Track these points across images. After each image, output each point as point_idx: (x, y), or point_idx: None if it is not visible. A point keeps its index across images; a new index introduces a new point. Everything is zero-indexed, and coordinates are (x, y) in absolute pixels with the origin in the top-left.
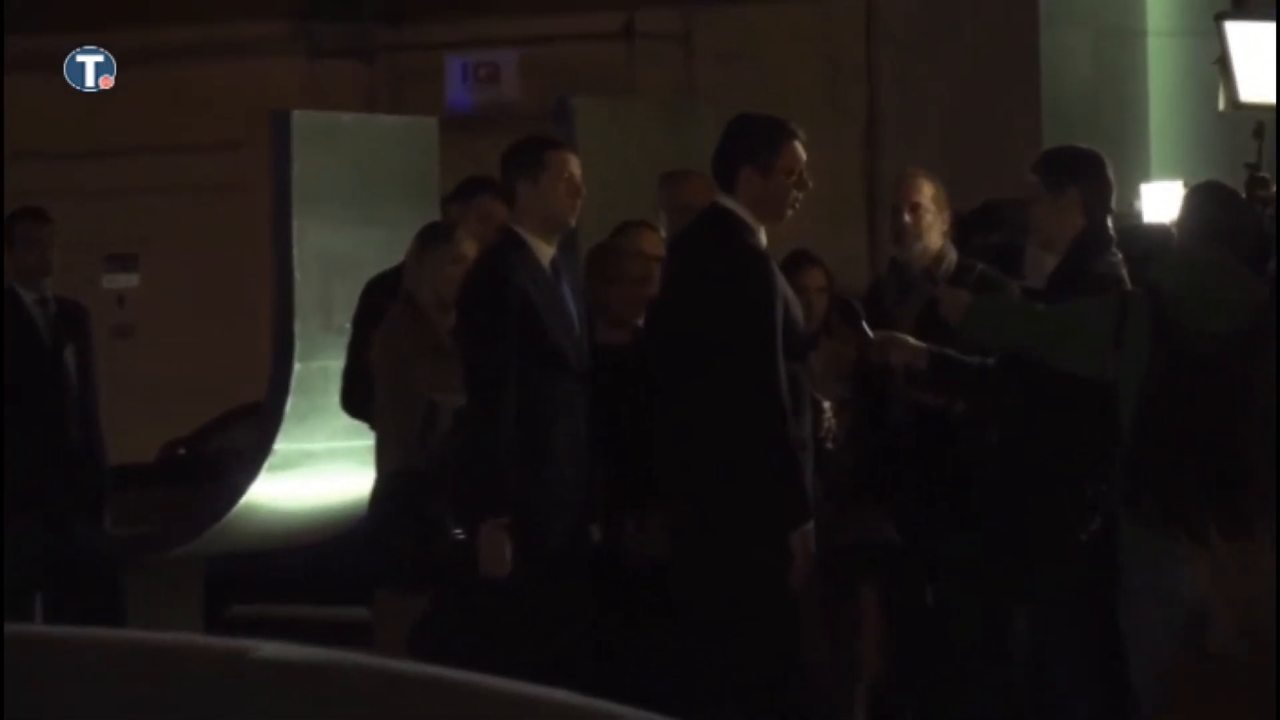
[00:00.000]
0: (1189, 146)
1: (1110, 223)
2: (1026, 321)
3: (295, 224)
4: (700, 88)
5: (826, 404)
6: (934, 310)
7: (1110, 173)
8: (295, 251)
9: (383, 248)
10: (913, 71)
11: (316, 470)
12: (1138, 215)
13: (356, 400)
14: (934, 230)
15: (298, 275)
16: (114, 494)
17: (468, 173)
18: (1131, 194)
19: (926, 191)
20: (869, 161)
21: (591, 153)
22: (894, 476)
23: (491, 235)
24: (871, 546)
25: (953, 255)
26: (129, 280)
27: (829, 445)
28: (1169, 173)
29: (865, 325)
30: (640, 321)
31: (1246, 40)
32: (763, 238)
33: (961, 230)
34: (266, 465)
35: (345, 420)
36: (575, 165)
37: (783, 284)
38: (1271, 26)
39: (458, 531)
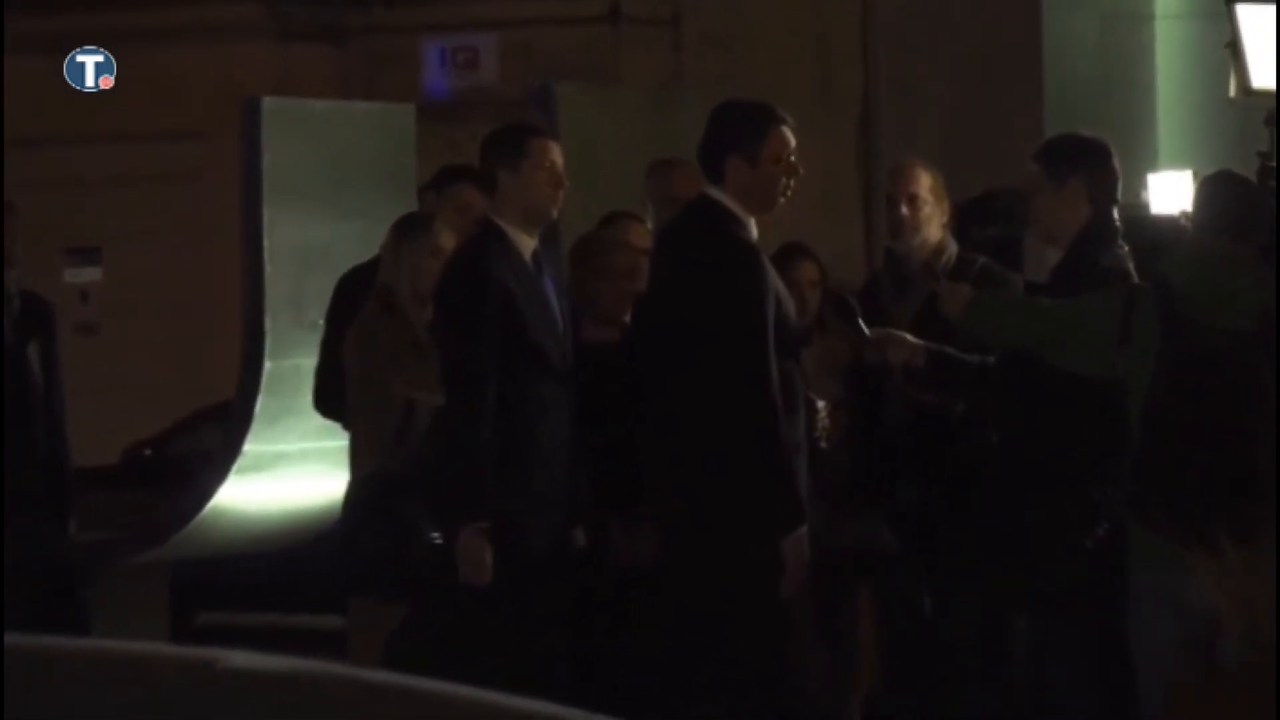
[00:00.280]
0: (1198, 134)
1: (1116, 214)
2: (1029, 317)
3: (266, 215)
4: (688, 74)
5: (820, 403)
6: (933, 306)
7: (1116, 162)
8: (266, 244)
9: (357, 240)
10: (910, 58)
11: (288, 473)
12: (1145, 206)
13: (330, 400)
14: (932, 222)
15: (268, 269)
16: (77, 497)
17: (445, 162)
18: (1138, 184)
19: (924, 182)
20: (864, 151)
21: (575, 141)
22: (891, 479)
23: (470, 227)
24: (867, 551)
25: (953, 248)
26: (92, 274)
27: (823, 445)
28: (1177, 162)
29: (861, 321)
30: (627, 318)
31: (1258, 23)
32: (753, 229)
33: (960, 222)
34: (236, 467)
35: (318, 421)
36: (558, 154)
37: (774, 278)
38: None
39: (435, 536)
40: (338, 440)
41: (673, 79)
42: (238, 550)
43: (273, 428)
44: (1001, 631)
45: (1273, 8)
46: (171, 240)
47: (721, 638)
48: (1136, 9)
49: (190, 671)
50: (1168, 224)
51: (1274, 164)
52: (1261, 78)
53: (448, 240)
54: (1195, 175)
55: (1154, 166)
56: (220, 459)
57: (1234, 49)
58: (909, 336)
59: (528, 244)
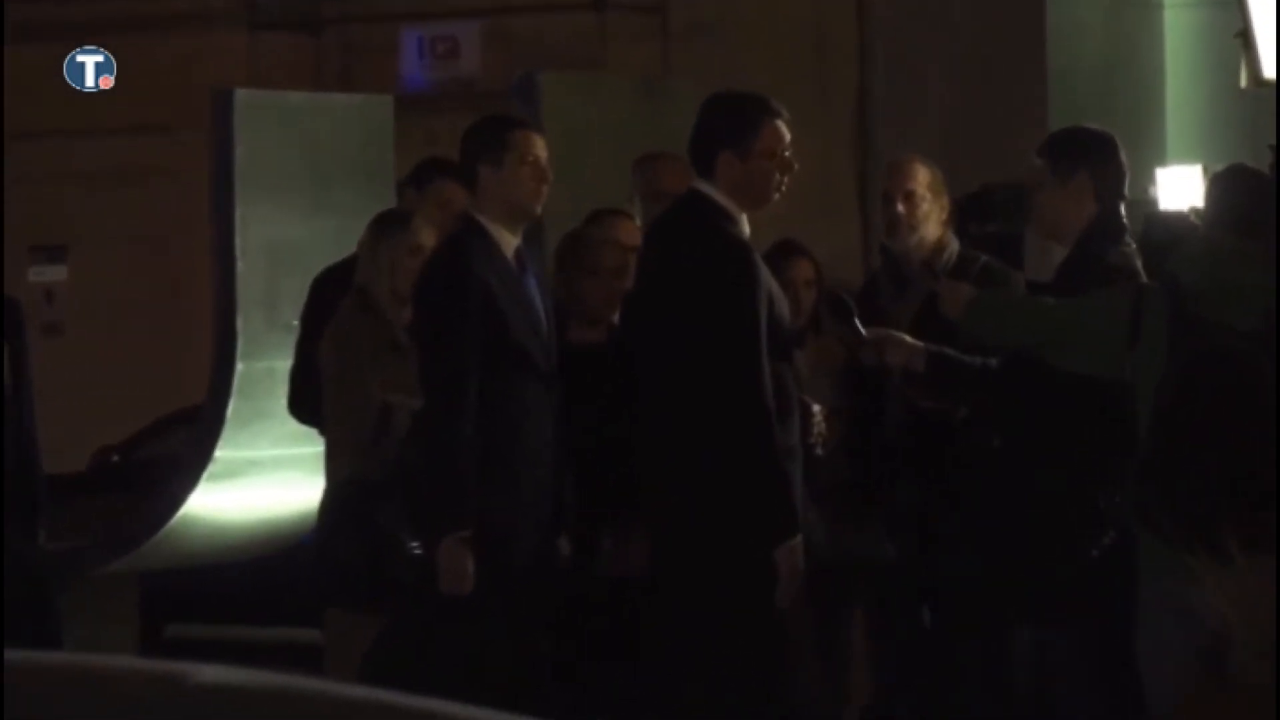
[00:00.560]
0: (1209, 127)
1: (1123, 210)
2: (1032, 317)
3: (238, 212)
4: (677, 64)
5: (816, 407)
6: (933, 306)
7: (1123, 156)
8: (238, 242)
9: (333, 237)
10: (908, 47)
11: (261, 479)
12: (1153, 202)
13: (306, 403)
14: (930, 220)
15: (240, 267)
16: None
17: (424, 155)
18: (1146, 179)
19: (921, 178)
20: (861, 144)
21: (559, 134)
22: (889, 485)
23: (452, 223)
24: (864, 561)
25: (954, 245)
26: (57, 273)
27: (819, 451)
28: (1187, 156)
29: (858, 322)
30: (615, 318)
31: (1270, 11)
32: (745, 226)
33: (957, 219)
34: (207, 474)
35: (292, 425)
36: (541, 147)
37: (767, 276)
38: None
39: (415, 545)
40: (313, 445)
41: (661, 69)
42: (209, 560)
43: (245, 432)
44: (1003, 644)
45: None
46: (140, 238)
47: (714, 650)
48: None
49: (160, 687)
50: (1178, 220)
51: None
52: (1274, 67)
53: (427, 237)
54: (1206, 170)
55: (1162, 161)
56: (190, 465)
57: (1245, 38)
58: (907, 338)
59: (510, 241)
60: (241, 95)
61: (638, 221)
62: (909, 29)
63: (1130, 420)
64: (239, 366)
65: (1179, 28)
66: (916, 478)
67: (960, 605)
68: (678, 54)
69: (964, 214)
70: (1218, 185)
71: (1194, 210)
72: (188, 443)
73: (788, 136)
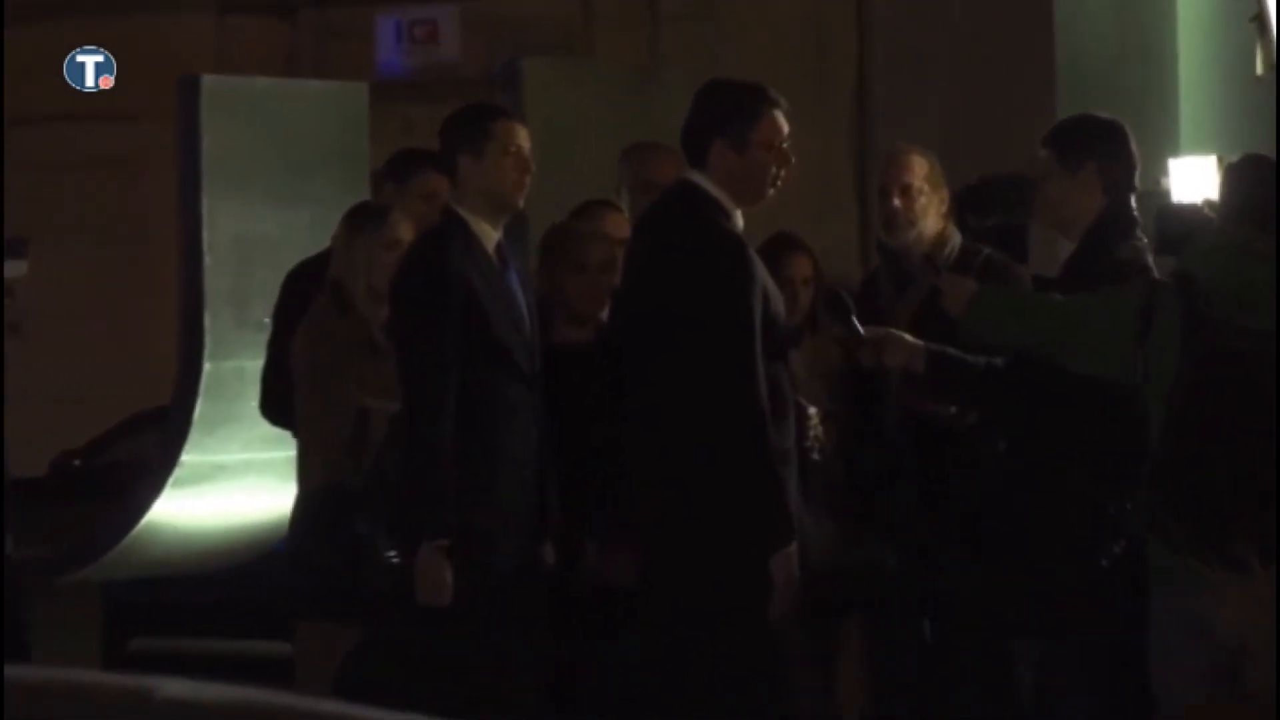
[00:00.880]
0: (1223, 115)
1: (1133, 203)
2: (1039, 314)
3: (205, 204)
4: (667, 50)
5: (812, 410)
6: (933, 303)
7: (1133, 146)
8: (205, 235)
9: (305, 231)
10: (909, 33)
11: (230, 485)
12: (1165, 194)
13: (278, 405)
14: (929, 213)
15: (208, 262)
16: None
17: (401, 145)
18: (1158, 170)
19: (919, 170)
20: (860, 134)
21: (543, 123)
22: (888, 492)
23: (435, 216)
24: (862, 570)
25: (956, 239)
26: (17, 269)
27: (815, 456)
28: (1201, 146)
29: (856, 320)
30: (603, 316)
31: None
32: (739, 220)
33: (956, 212)
34: (172, 479)
35: (263, 428)
36: (524, 137)
37: (762, 271)
38: None
39: (392, 554)
40: (284, 449)
41: (651, 56)
42: (175, 570)
43: (213, 436)
44: (1007, 657)
45: None
46: (103, 231)
47: (705, 662)
48: None
49: (125, 702)
50: (1191, 214)
51: None
52: None
53: (405, 231)
54: (1220, 160)
55: (1175, 151)
56: (156, 470)
57: (1260, 22)
58: (907, 337)
59: (491, 235)
60: (209, 82)
61: (626, 215)
62: (910, 15)
63: (1141, 423)
64: (206, 366)
65: (1192, 12)
66: (916, 483)
67: (962, 616)
68: (668, 40)
69: (963, 207)
70: (1233, 176)
71: (1208, 203)
72: (153, 447)
73: (786, 128)
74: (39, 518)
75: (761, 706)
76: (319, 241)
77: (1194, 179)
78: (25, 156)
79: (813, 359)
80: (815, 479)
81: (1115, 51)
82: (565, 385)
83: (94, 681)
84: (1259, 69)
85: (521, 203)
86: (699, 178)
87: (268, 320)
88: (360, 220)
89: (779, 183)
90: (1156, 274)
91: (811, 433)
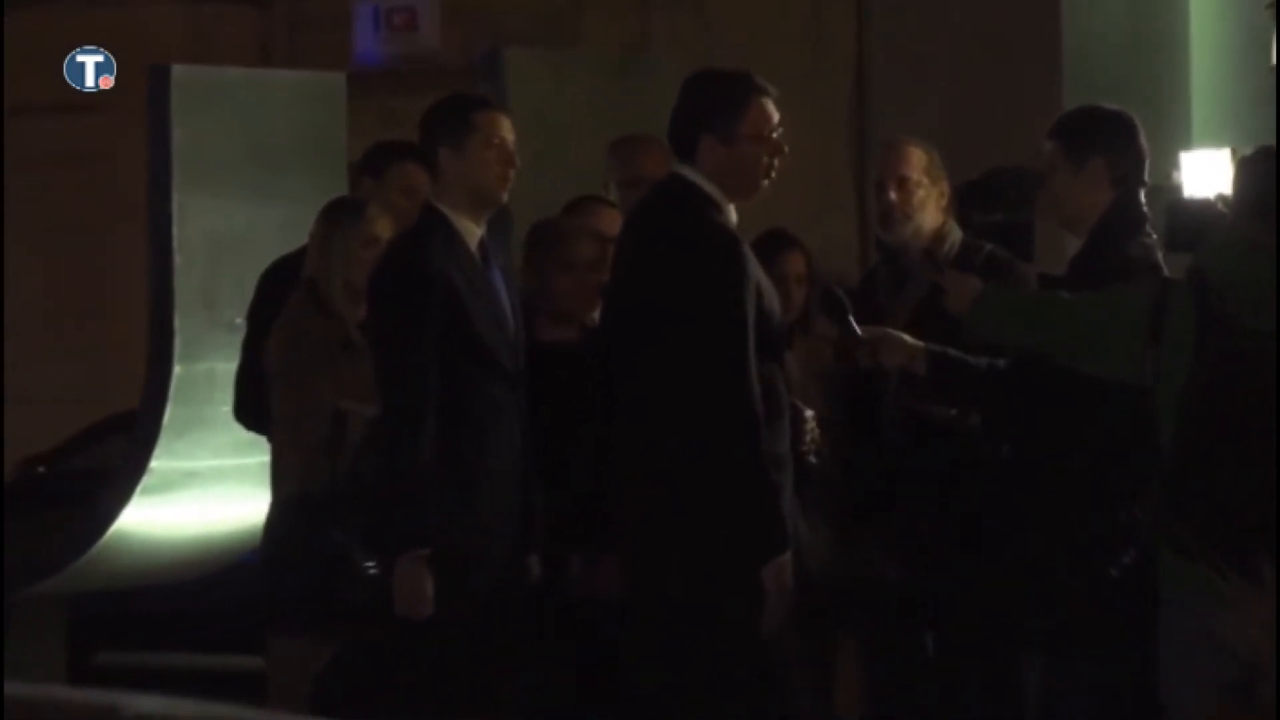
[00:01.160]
0: (1237, 107)
1: (1143, 198)
2: (1046, 314)
3: (175, 200)
4: (658, 38)
5: (809, 412)
6: (932, 301)
7: (1143, 139)
8: (175, 232)
9: (280, 227)
10: (910, 20)
11: (201, 492)
12: (1177, 188)
13: (253, 409)
14: (927, 207)
15: (178, 260)
16: None
17: (380, 137)
18: (1169, 163)
19: (917, 162)
20: (859, 125)
21: (528, 114)
22: (887, 500)
23: (414, 211)
24: (861, 581)
25: (956, 234)
26: None
27: (812, 460)
28: (1214, 139)
29: (853, 320)
30: (593, 315)
31: None
32: (732, 215)
33: (959, 208)
34: (141, 486)
35: (235, 433)
36: (508, 129)
37: (756, 268)
38: None
39: (370, 565)
40: (257, 455)
41: (640, 43)
42: (143, 581)
43: (183, 441)
44: (1011, 672)
45: None
46: (68, 227)
47: (696, 678)
48: None
49: (91, 718)
50: (1203, 209)
51: None
52: None
53: (383, 228)
54: (1234, 154)
55: (1187, 144)
56: (123, 477)
57: (1277, 10)
58: (907, 337)
59: (474, 231)
60: (179, 72)
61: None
62: (911, 1)
63: (1152, 427)
64: (176, 369)
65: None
66: (916, 489)
67: (965, 630)
68: (659, 27)
69: (966, 202)
70: (1246, 170)
71: (1221, 197)
72: (120, 453)
73: (776, 116)
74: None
75: None
76: (294, 239)
77: (1207, 173)
78: None
79: (805, 360)
80: (811, 485)
81: (1125, 40)
82: (550, 386)
83: (59, 697)
84: (1274, 58)
85: (505, 197)
86: (689, 172)
87: (240, 321)
88: (337, 216)
89: (773, 173)
90: (1166, 272)
91: (808, 436)
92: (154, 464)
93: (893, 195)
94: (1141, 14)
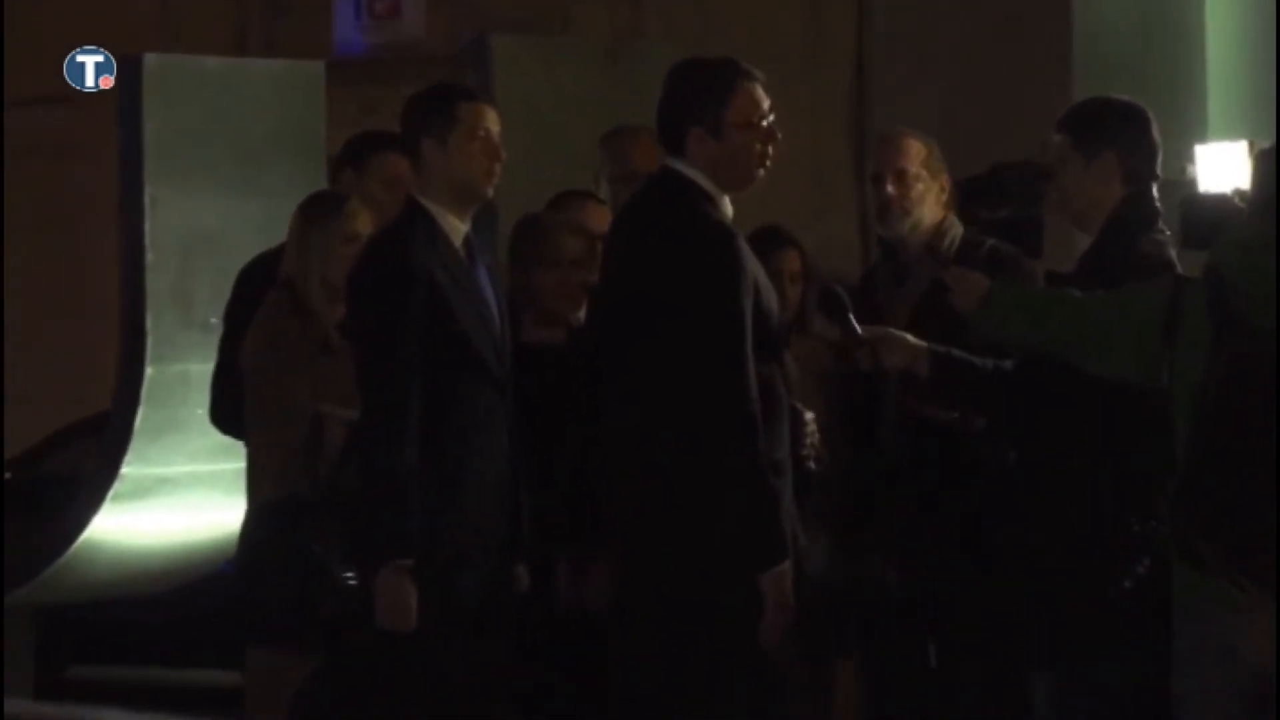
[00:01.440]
0: (1255, 98)
1: (1156, 193)
2: (1056, 313)
3: (147, 194)
4: (650, 26)
5: (809, 415)
6: (933, 298)
7: (1155, 131)
8: (147, 228)
9: (256, 223)
10: (911, 7)
11: (175, 499)
12: (1192, 183)
13: (231, 413)
14: (926, 201)
15: (150, 257)
16: None
17: (361, 130)
18: (1184, 157)
19: (915, 154)
20: (858, 116)
21: (515, 105)
22: (887, 508)
23: (396, 204)
24: (862, 592)
25: (957, 229)
26: None
27: (812, 465)
28: (1230, 131)
29: (853, 319)
30: (578, 316)
31: None
32: (727, 208)
33: (964, 202)
34: (112, 493)
35: (210, 438)
36: (493, 120)
37: (753, 264)
38: None
39: (349, 575)
40: (233, 461)
41: (632, 31)
42: (115, 592)
43: (156, 446)
44: (1019, 687)
45: None
46: (36, 223)
47: (689, 693)
48: None
49: None
50: (1219, 204)
51: None
52: None
53: (364, 223)
54: (1251, 146)
55: (1203, 137)
56: (94, 484)
57: None
58: (909, 337)
59: (458, 228)
60: (152, 61)
61: (608, 206)
62: None
63: (1166, 431)
64: (149, 370)
65: None
66: (918, 497)
67: (970, 642)
68: (652, 16)
69: (972, 198)
70: (1264, 164)
71: (1238, 192)
72: (91, 458)
73: (765, 102)
74: None
75: None
76: (271, 234)
77: (1223, 166)
78: None
79: (802, 361)
80: (811, 491)
81: (1138, 27)
82: (537, 389)
83: (27, 713)
84: None
85: (491, 192)
86: (680, 164)
87: (215, 320)
88: (315, 211)
89: (767, 162)
90: (1180, 270)
91: (808, 440)
92: (125, 470)
93: (890, 189)
94: (1155, 1)
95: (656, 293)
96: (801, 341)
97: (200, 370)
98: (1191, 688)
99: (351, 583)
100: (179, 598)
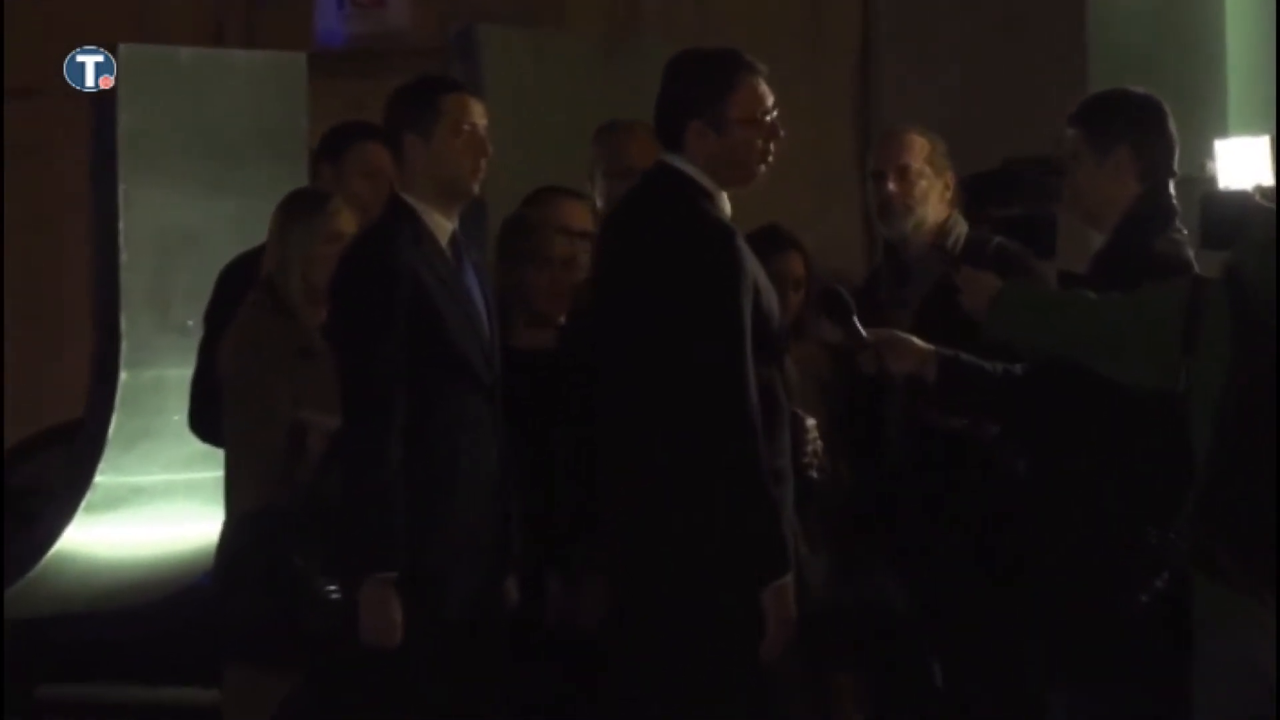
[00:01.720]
0: (1277, 91)
1: (1172, 190)
2: (1069, 314)
3: (122, 191)
4: (645, 17)
5: (811, 422)
6: (938, 300)
7: (1172, 126)
8: (121, 227)
9: (235, 222)
10: (917, 1)
11: (149, 509)
12: (1211, 179)
13: (211, 419)
14: (930, 199)
15: (124, 257)
16: None
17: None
18: (1203, 152)
19: (918, 151)
20: (862, 111)
21: (504, 98)
22: (891, 519)
23: (378, 198)
24: (866, 607)
25: (962, 227)
26: None
27: (814, 474)
28: (1250, 126)
29: (857, 322)
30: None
31: None
32: (725, 205)
33: (974, 200)
34: (85, 503)
35: (187, 446)
36: (480, 114)
37: (753, 265)
38: None
39: (331, 589)
40: (211, 470)
41: (626, 22)
42: (87, 606)
43: (130, 454)
44: (1031, 707)
45: None
46: (6, 222)
47: (687, 711)
48: None
49: None
50: (1239, 201)
51: None
52: None
53: (347, 222)
54: (1273, 141)
55: (1222, 132)
56: (65, 494)
57: None
58: (916, 340)
59: (444, 226)
60: (126, 52)
61: (598, 202)
62: None
63: (1185, 439)
64: (123, 375)
65: None
66: (924, 507)
67: (978, 660)
68: (649, 7)
69: (982, 194)
70: None
71: (1259, 189)
72: (62, 467)
73: (769, 97)
74: None
75: None
76: (250, 233)
77: (1244, 162)
78: None
79: (803, 366)
80: (813, 501)
81: (1155, 17)
82: (528, 394)
83: None
84: None
85: (477, 189)
86: (678, 161)
87: (193, 323)
88: (296, 209)
89: (769, 159)
90: (1199, 270)
91: (810, 447)
92: (99, 479)
93: (892, 186)
94: None
95: (653, 291)
96: (802, 345)
97: (177, 375)
98: (1211, 704)
99: (334, 596)
100: (154, 612)
